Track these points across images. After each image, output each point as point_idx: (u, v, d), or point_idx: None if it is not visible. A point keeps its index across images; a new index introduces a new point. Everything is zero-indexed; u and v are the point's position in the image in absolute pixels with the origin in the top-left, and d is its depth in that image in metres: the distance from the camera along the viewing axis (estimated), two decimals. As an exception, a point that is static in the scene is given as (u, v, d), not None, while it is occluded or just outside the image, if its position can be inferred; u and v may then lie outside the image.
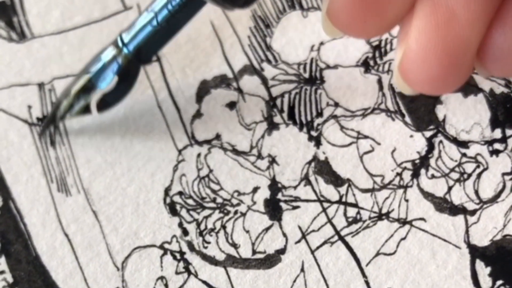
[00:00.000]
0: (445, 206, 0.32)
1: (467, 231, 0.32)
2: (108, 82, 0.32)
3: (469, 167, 0.33)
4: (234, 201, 0.33)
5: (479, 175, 0.32)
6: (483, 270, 0.31)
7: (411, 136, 0.33)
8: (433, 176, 0.33)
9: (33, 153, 0.34)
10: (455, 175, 0.33)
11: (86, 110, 0.33)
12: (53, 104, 0.34)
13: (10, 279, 0.32)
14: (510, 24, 0.27)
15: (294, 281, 0.31)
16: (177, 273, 0.32)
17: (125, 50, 0.31)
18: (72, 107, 0.33)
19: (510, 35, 0.27)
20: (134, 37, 0.31)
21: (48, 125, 0.34)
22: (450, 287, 0.31)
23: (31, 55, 0.35)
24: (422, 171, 0.33)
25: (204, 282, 0.32)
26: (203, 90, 0.35)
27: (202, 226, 0.32)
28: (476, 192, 0.32)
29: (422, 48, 0.27)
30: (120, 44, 0.32)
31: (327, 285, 0.31)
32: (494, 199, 0.32)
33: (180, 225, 0.33)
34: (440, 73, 0.28)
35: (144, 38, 0.31)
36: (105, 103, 0.33)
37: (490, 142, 0.33)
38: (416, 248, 0.32)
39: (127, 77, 0.32)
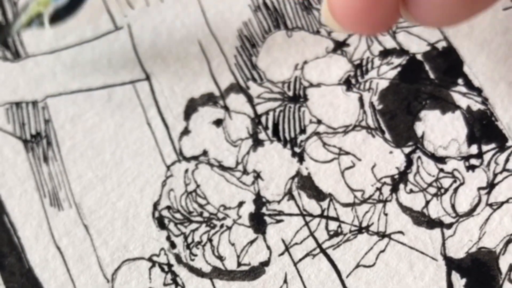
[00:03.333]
0: (422, 219, 0.33)
1: (443, 244, 0.33)
2: None
3: (446, 182, 0.34)
4: (220, 215, 0.34)
5: (455, 190, 0.34)
6: (458, 281, 0.32)
7: (391, 152, 0.35)
8: (411, 191, 0.34)
9: (27, 169, 0.35)
10: (432, 190, 0.34)
11: (40, 24, 0.34)
12: (13, 15, 0.35)
13: (4, 291, 0.33)
14: None
15: (278, 292, 0.33)
16: (165, 284, 0.33)
17: None
18: (30, 22, 0.34)
19: None
20: None
21: (4, 35, 0.35)
22: (427, 298, 0.32)
23: (25, 73, 0.37)
24: (401, 186, 0.34)
25: (191, 293, 0.33)
26: (191, 107, 0.36)
27: (189, 239, 0.34)
28: (453, 206, 0.33)
29: None
30: None
31: (309, 296, 0.32)
32: (470, 213, 0.33)
33: (168, 238, 0.34)
34: (363, 9, 0.28)
35: None
36: (57, 17, 0.34)
37: (466, 158, 0.34)
38: (394, 260, 0.33)
39: None
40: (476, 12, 0.30)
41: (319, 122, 0.35)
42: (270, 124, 0.35)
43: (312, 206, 0.34)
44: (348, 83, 0.36)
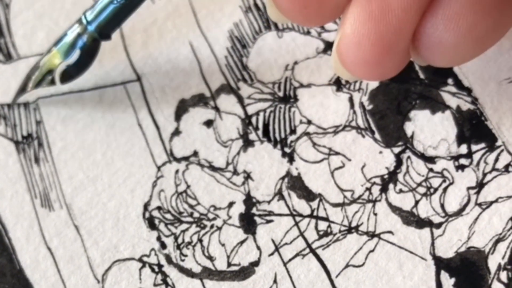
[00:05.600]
0: (412, 219, 0.33)
1: (432, 244, 0.33)
2: (72, 56, 0.34)
3: (435, 182, 0.34)
4: (211, 216, 0.34)
5: (445, 190, 0.34)
6: (447, 281, 0.32)
7: (380, 152, 0.35)
8: (401, 191, 0.34)
9: (18, 170, 0.35)
10: (422, 190, 0.34)
11: (51, 82, 0.35)
12: (25, 76, 0.36)
13: (-5, 292, 0.33)
14: (441, 14, 0.29)
15: (267, 292, 0.33)
16: (155, 285, 0.33)
17: (89, 28, 0.34)
18: (42, 80, 0.35)
19: (440, 26, 0.29)
20: (97, 16, 0.34)
21: (19, 95, 0.36)
22: (416, 298, 0.32)
23: (17, 75, 0.37)
24: (391, 186, 0.34)
25: (181, 294, 0.33)
26: (182, 108, 0.36)
27: (180, 240, 0.34)
28: (442, 206, 0.34)
29: (356, 33, 0.29)
30: (84, 22, 0.34)
31: (298, 296, 0.33)
32: (459, 213, 0.33)
33: (159, 238, 0.34)
34: (373, 58, 0.29)
35: (106, 16, 0.34)
36: (68, 75, 0.35)
37: (456, 158, 0.34)
38: (383, 260, 0.33)
39: (89, 51, 0.35)
40: (485, 50, 0.30)
41: (309, 122, 0.35)
42: (260, 125, 0.35)
43: (302, 206, 0.34)
44: (338, 84, 0.36)
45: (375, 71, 0.30)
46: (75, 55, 0.34)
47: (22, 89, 0.36)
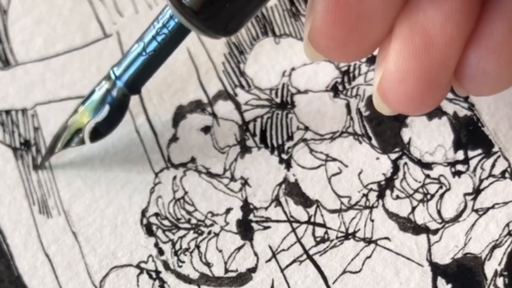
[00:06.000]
0: (408, 225, 0.34)
1: (429, 250, 0.33)
2: (101, 113, 0.33)
3: (432, 188, 0.34)
4: (208, 222, 0.34)
5: (441, 196, 0.34)
6: (444, 287, 0.32)
7: (377, 158, 0.35)
8: (397, 197, 0.34)
9: (16, 177, 0.35)
10: (418, 196, 0.34)
11: (81, 141, 0.34)
12: (53, 137, 0.35)
13: (-7, 298, 0.33)
14: (484, 45, 0.28)
15: (265, 298, 0.33)
16: (153, 291, 0.33)
17: (118, 84, 0.33)
18: (71, 139, 0.34)
19: (484, 56, 0.28)
20: (126, 70, 0.33)
21: (47, 156, 0.35)
22: (412, 304, 0.32)
23: (15, 81, 0.37)
24: (387, 192, 0.34)
25: (179, 300, 0.33)
26: (179, 115, 0.36)
27: (177, 246, 0.34)
28: (439, 212, 0.34)
29: (400, 70, 0.28)
30: (113, 77, 0.33)
31: (296, 302, 0.33)
32: (455, 219, 0.34)
33: (156, 245, 0.34)
34: (418, 94, 0.29)
35: (135, 70, 0.32)
36: (98, 133, 0.34)
37: (452, 164, 0.34)
38: (380, 266, 0.33)
39: (119, 107, 0.33)
40: None
41: (306, 128, 0.35)
42: (257, 131, 0.36)
43: (299, 212, 0.34)
44: (335, 90, 0.36)
45: (419, 106, 0.30)
46: (105, 111, 0.33)
47: (51, 150, 0.35)
